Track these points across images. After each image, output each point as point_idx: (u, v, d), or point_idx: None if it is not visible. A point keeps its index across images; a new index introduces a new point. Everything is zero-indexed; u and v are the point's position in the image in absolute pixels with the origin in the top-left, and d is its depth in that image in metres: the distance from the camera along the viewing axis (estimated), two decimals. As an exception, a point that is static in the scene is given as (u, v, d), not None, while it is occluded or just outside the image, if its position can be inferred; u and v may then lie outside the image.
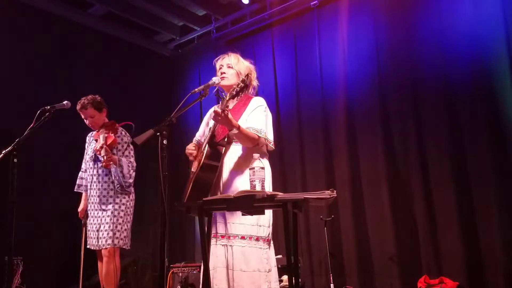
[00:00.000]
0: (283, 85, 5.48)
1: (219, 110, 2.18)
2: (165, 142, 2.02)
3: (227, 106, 2.29)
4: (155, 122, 2.09)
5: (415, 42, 4.45)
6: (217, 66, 2.59)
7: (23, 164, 2.67)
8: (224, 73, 2.51)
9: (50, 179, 4.87)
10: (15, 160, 2.59)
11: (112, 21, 5.88)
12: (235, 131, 2.25)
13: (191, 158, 2.51)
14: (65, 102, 2.97)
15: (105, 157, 3.37)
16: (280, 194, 1.93)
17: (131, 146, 3.62)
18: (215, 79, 2.44)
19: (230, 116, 2.22)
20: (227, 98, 2.31)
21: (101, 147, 3.39)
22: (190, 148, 2.51)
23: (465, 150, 4.02)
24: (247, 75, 2.32)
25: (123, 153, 3.60)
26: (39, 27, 5.16)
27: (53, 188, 4.84)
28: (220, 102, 2.47)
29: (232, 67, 2.53)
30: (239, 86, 2.25)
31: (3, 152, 2.61)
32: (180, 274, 4.53)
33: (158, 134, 2.03)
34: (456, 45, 4.17)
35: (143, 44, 6.35)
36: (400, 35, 4.56)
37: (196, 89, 2.27)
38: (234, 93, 2.26)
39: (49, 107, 2.84)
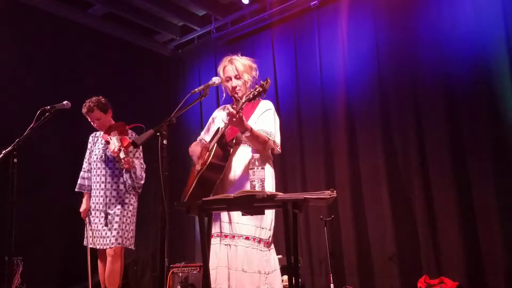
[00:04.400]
0: (283, 85, 5.48)
1: (233, 111, 2.19)
2: (165, 142, 2.03)
3: (242, 109, 2.28)
4: (155, 122, 2.09)
5: (415, 42, 4.44)
6: (223, 76, 2.54)
7: (23, 164, 2.67)
8: (236, 87, 2.49)
9: (50, 179, 4.86)
10: (15, 160, 2.60)
11: (112, 21, 5.88)
12: (247, 133, 2.27)
13: (194, 158, 2.52)
14: (65, 102, 2.98)
15: (125, 159, 3.39)
16: (280, 194, 1.94)
17: (140, 148, 3.64)
18: (215, 79, 2.45)
19: (244, 118, 2.24)
20: (243, 101, 2.29)
21: (119, 149, 3.40)
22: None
23: (465, 150, 4.02)
24: (266, 80, 2.25)
25: (134, 154, 3.61)
26: (39, 27, 5.16)
27: (53, 188, 4.83)
28: (235, 103, 2.47)
29: (240, 78, 2.50)
30: (257, 90, 2.21)
31: (3, 152, 2.62)
32: (180, 274, 4.52)
33: (158, 134, 2.03)
34: (456, 45, 4.17)
35: (143, 44, 6.34)
36: (400, 35, 4.56)
37: (196, 89, 2.28)
38: (252, 96, 2.22)
39: (49, 107, 2.85)
